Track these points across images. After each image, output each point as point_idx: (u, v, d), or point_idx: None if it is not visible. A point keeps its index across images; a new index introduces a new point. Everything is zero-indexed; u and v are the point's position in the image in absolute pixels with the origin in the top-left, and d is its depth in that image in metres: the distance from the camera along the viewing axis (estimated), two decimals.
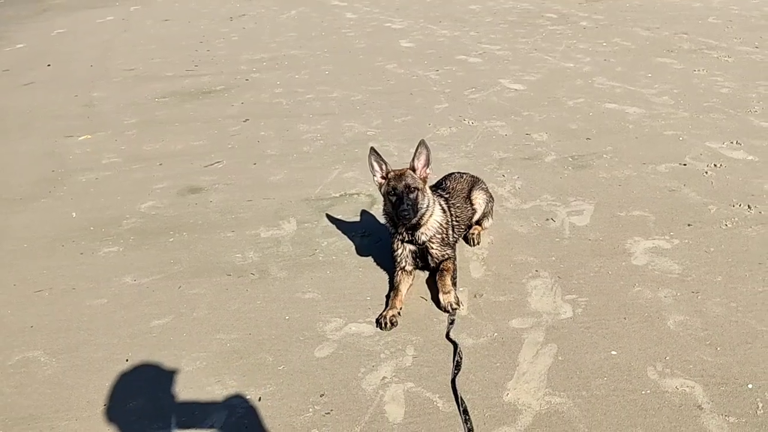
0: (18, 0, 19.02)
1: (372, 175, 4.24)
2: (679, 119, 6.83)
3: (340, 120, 7.63)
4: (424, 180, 4.21)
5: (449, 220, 4.41)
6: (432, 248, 4.25)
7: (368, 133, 7.14)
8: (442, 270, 4.19)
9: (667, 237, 4.61)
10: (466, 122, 7.23)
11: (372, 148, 4.22)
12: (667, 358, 3.45)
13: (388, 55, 10.47)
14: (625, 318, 3.80)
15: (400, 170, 4.18)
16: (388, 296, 4.15)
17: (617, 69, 8.84)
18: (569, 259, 4.46)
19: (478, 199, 4.75)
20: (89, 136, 7.68)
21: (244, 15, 14.35)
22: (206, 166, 6.58)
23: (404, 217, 4.04)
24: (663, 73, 8.43)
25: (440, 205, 4.38)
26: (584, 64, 9.20)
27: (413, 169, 4.18)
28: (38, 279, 4.74)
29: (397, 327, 3.88)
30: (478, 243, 4.74)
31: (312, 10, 14.57)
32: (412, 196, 4.06)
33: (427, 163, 4.19)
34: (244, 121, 7.82)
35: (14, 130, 8.22)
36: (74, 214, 5.72)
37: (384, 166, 4.18)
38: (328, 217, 5.31)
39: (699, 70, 8.47)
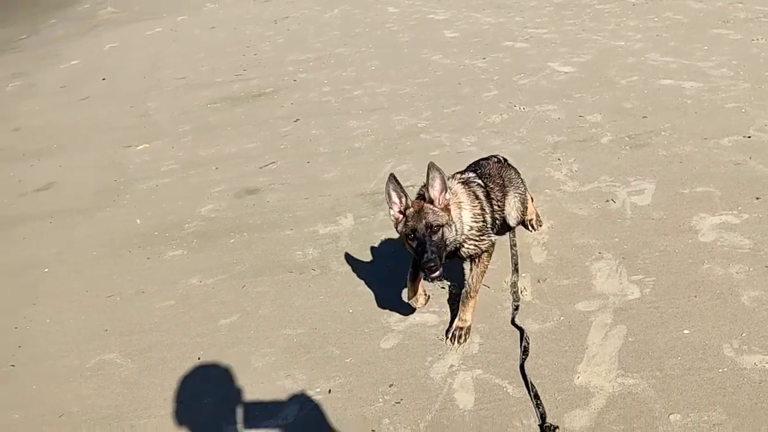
0: (69, 18, 19.62)
1: (388, 207, 3.56)
2: (740, 91, 6.59)
3: (389, 114, 7.64)
4: (447, 208, 3.52)
5: (483, 211, 3.75)
6: (464, 247, 3.69)
7: (419, 125, 7.13)
8: (469, 290, 3.74)
9: (735, 212, 4.46)
10: (517, 108, 7.14)
11: (391, 175, 3.48)
12: (744, 334, 3.34)
13: (433, 46, 10.41)
14: (695, 296, 3.70)
15: (418, 204, 3.47)
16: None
17: (670, 44, 8.58)
18: (633, 240, 4.36)
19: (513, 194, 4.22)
20: (147, 146, 7.89)
21: (287, 17, 14.49)
22: (261, 168, 6.68)
23: (430, 269, 3.32)
24: (719, 45, 8.15)
25: (469, 205, 3.71)
26: (635, 41, 8.96)
27: (431, 201, 3.48)
28: (108, 284, 4.91)
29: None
30: (540, 225, 4.67)
31: (354, 8, 14.60)
32: (436, 237, 3.40)
33: (444, 188, 3.48)
34: (294, 121, 7.90)
35: (75, 144, 8.50)
36: (138, 221, 5.89)
37: (403, 199, 3.48)
38: (385, 210, 5.32)
39: (757, 39, 8.15)
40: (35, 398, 3.84)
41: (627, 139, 5.91)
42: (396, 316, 3.98)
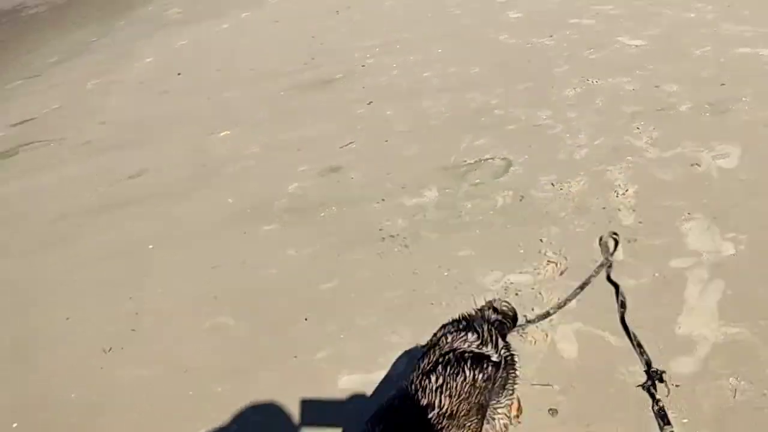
0: (136, 20, 20.32)
1: None
2: None
3: (461, 93, 7.75)
4: None
5: None
6: None
7: (492, 102, 7.23)
8: None
9: None
10: (590, 81, 7.17)
11: None
12: None
13: (498, 27, 10.46)
14: None
15: None
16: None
17: (744, 13, 8.43)
18: (722, 201, 4.40)
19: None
20: (228, 132, 8.23)
21: (349, 7, 14.70)
22: (341, 147, 6.90)
23: None
24: None
25: None
26: (706, 12, 8.83)
27: None
28: (212, 256, 5.21)
29: (559, 276, 4.00)
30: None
31: None
32: None
33: None
34: (368, 104, 8.10)
35: (160, 134, 8.91)
36: (230, 200, 6.20)
37: None
38: (467, 181, 5.48)
39: None
40: (158, 357, 4.15)
41: (707, 106, 5.89)
42: (491, 276, 4.14)
